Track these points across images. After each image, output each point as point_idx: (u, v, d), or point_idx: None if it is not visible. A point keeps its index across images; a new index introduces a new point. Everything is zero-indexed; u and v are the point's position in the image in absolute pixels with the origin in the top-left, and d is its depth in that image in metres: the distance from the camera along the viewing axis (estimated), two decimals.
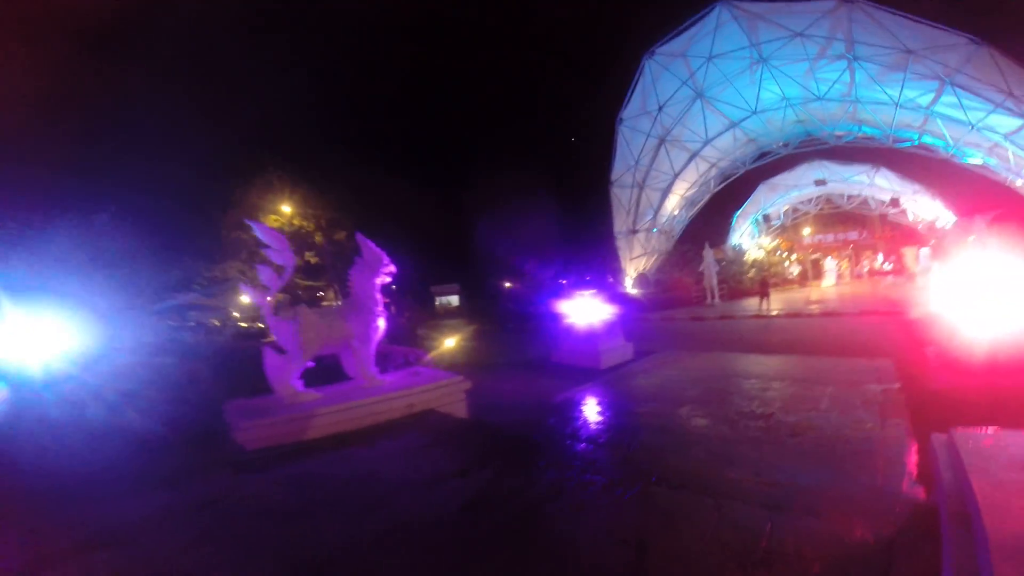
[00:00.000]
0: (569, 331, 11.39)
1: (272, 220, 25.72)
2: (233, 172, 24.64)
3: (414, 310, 36.95)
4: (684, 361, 10.82)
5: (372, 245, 6.84)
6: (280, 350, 6.30)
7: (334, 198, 28.84)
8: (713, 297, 26.32)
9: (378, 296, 6.73)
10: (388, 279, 6.86)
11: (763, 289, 20.96)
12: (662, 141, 25.29)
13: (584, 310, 11.34)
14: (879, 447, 5.10)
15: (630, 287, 28.05)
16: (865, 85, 20.02)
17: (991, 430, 3.16)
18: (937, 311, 17.82)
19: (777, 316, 20.27)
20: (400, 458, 5.35)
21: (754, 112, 23.27)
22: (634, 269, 28.49)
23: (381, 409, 6.32)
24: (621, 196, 26.52)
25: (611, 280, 29.11)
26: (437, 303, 41.86)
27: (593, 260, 31.37)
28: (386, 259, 6.78)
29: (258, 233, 6.30)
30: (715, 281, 26.65)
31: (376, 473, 5.04)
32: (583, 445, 5.84)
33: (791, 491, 3.95)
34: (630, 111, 24.61)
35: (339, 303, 39.48)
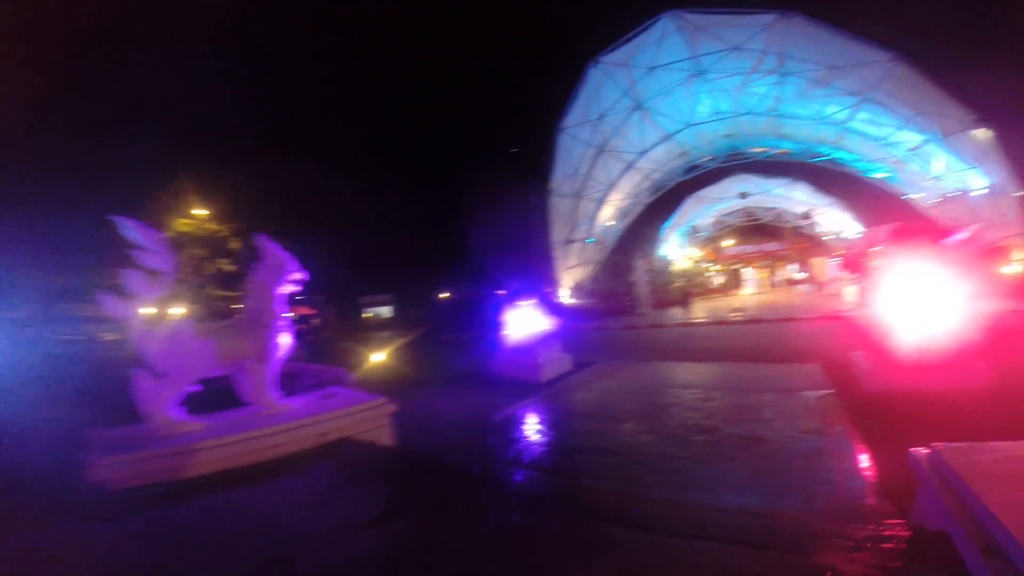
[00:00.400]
0: (508, 343, 10.74)
1: (182, 225, 23.08)
2: (142, 174, 21.94)
3: (340, 322, 34.86)
4: (623, 371, 10.51)
5: (275, 248, 5.79)
6: (154, 371, 5.10)
7: (258, 202, 26.58)
8: (645, 306, 27.01)
9: (278, 307, 5.68)
10: (294, 287, 5.83)
11: (684, 300, 20.61)
12: (600, 151, 25.64)
13: (523, 321, 10.75)
14: (834, 460, 4.84)
15: (566, 297, 28.06)
16: (790, 100, 21.47)
17: (983, 445, 2.83)
18: (851, 315, 19.37)
19: (705, 324, 20.88)
20: (303, 501, 4.36)
21: (689, 125, 24.23)
22: (570, 279, 28.58)
23: (284, 440, 5.26)
24: (560, 205, 26.56)
25: (548, 290, 29.00)
26: (367, 314, 39.79)
27: (531, 270, 31.20)
28: (292, 264, 5.76)
29: (126, 232, 5.08)
30: (647, 291, 27.39)
31: (269, 521, 4.04)
32: (527, 474, 5.16)
33: (763, 521, 3.49)
34: (571, 119, 24.70)
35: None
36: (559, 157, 25.36)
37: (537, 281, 29.44)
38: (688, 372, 10.05)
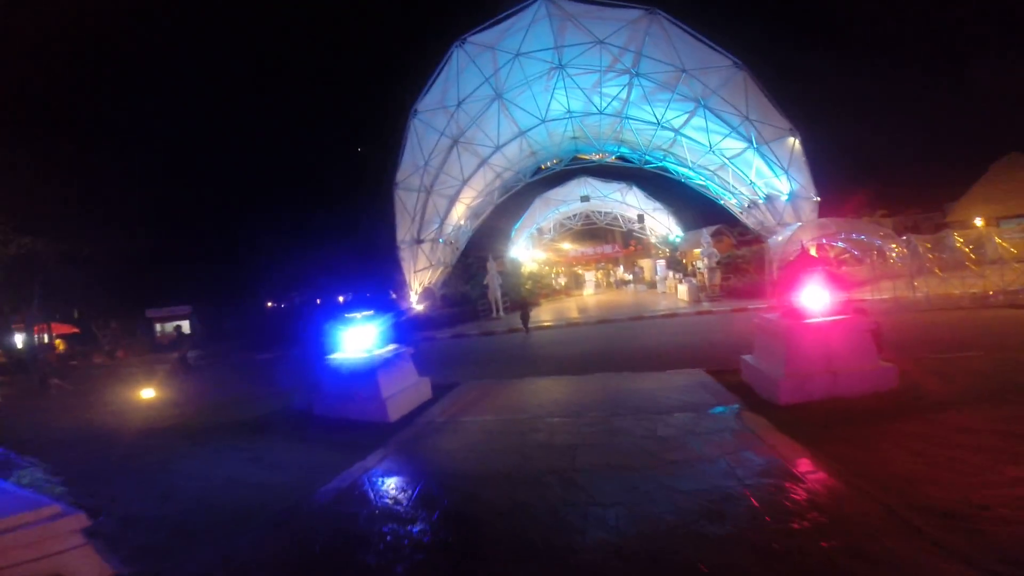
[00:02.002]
0: (340, 370, 7.76)
1: None
2: None
3: (116, 342, 26.67)
4: (494, 396, 8.38)
5: None
6: None
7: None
8: (498, 310, 25.73)
9: None
10: None
11: (523, 308, 19.57)
12: (455, 142, 23.34)
13: (361, 338, 7.88)
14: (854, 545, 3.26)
15: (415, 303, 25.26)
16: (636, 103, 22.01)
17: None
18: (691, 310, 20.77)
19: (565, 326, 20.22)
20: None
21: (543, 121, 23.37)
22: (419, 283, 25.83)
23: None
24: (407, 201, 23.57)
25: (395, 296, 25.82)
26: (159, 331, 31.37)
27: (376, 273, 27.56)
28: None
29: None
30: (499, 294, 26.14)
31: None
32: None
33: None
34: (427, 102, 21.87)
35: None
36: (409, 144, 22.33)
37: (382, 285, 26.07)
38: (571, 391, 8.36)
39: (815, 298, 7.08)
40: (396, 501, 4.60)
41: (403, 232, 24.01)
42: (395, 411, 7.35)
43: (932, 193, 31.94)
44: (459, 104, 21.77)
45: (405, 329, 20.33)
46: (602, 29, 18.73)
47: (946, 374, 7.29)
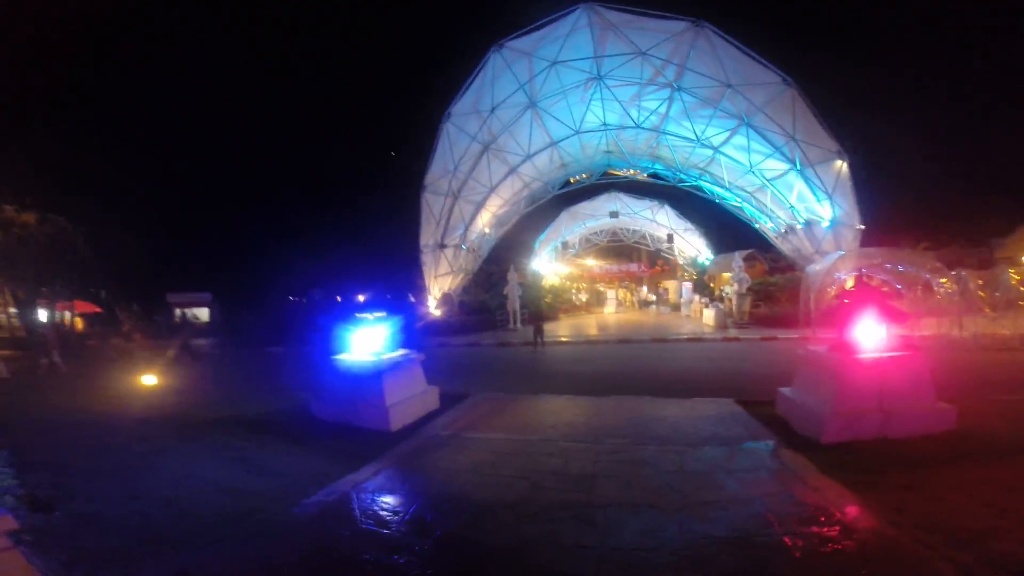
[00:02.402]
0: (344, 372, 7.31)
1: None
2: None
3: (135, 325, 27.01)
4: (507, 413, 7.81)
5: None
6: None
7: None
8: (516, 322, 25.20)
9: None
10: None
11: (537, 322, 18.69)
12: (486, 149, 23.01)
13: (370, 340, 7.44)
14: None
15: (433, 308, 24.90)
16: (676, 118, 21.35)
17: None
18: (717, 336, 19.84)
19: (584, 343, 19.53)
20: None
21: (576, 132, 22.84)
22: (439, 288, 25.50)
23: None
24: (433, 204, 23.33)
25: (413, 299, 25.55)
26: (178, 316, 31.68)
27: (396, 275, 27.40)
28: None
29: None
30: (518, 305, 25.63)
31: None
32: None
33: None
34: (461, 107, 21.54)
35: (12, 310, 26.48)
36: (440, 148, 22.09)
37: (402, 287, 25.87)
38: (587, 414, 7.71)
39: (870, 332, 6.35)
40: (384, 524, 4.07)
41: (427, 236, 23.75)
42: (398, 420, 6.84)
43: (978, 228, 30.20)
44: (492, 110, 21.49)
45: (420, 334, 19.97)
46: (645, 40, 18.23)
47: (1007, 417, 6.50)
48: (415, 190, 22.97)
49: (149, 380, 10.55)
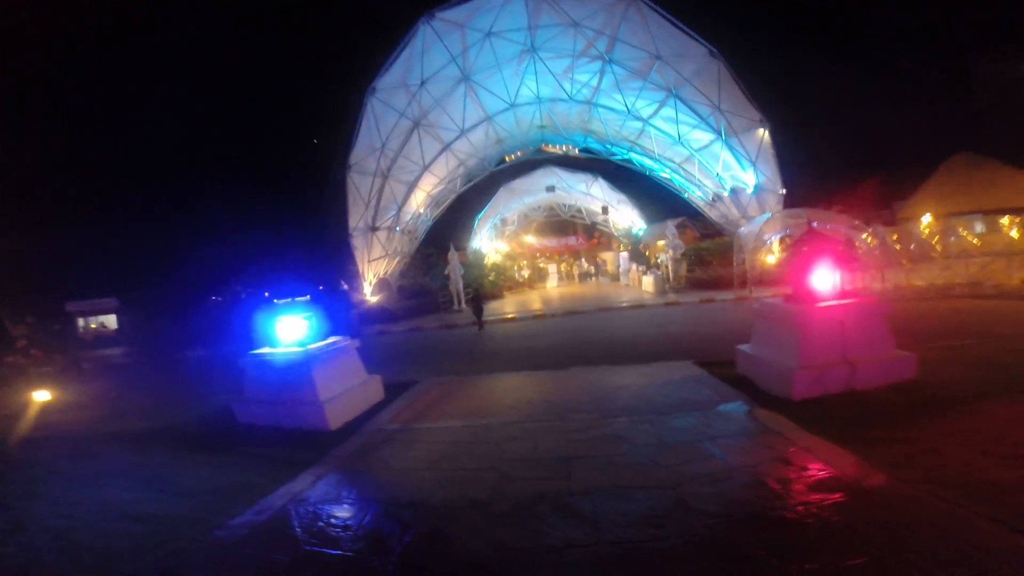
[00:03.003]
0: (268, 367, 6.28)
1: None
2: None
3: (32, 338, 23.43)
4: (459, 396, 7.14)
5: None
6: None
7: None
8: (460, 302, 24.43)
9: None
10: None
11: (475, 303, 17.54)
12: (416, 125, 21.58)
13: (293, 328, 6.43)
14: None
15: (369, 294, 23.49)
16: (607, 91, 21.15)
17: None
18: (658, 302, 20.24)
19: (531, 318, 19.15)
20: None
21: (512, 106, 21.88)
22: (373, 273, 24.06)
23: None
24: (360, 185, 21.67)
25: (346, 287, 23.93)
26: (81, 326, 27.95)
27: (327, 263, 25.48)
28: None
29: None
30: (461, 285, 24.84)
31: None
32: None
33: None
34: (388, 80, 19.91)
35: None
36: (365, 124, 20.42)
37: (333, 275, 24.15)
38: (547, 389, 7.21)
39: (826, 280, 6.28)
40: (332, 542, 3.30)
41: (356, 218, 22.14)
42: (336, 417, 5.97)
43: (880, 192, 32.96)
44: (422, 84, 20.14)
45: (358, 322, 18.68)
46: (578, 11, 17.71)
47: (956, 363, 6.70)
48: (340, 171, 21.18)
49: (42, 396, 8.83)
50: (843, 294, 6.29)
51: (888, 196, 31.63)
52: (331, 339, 6.84)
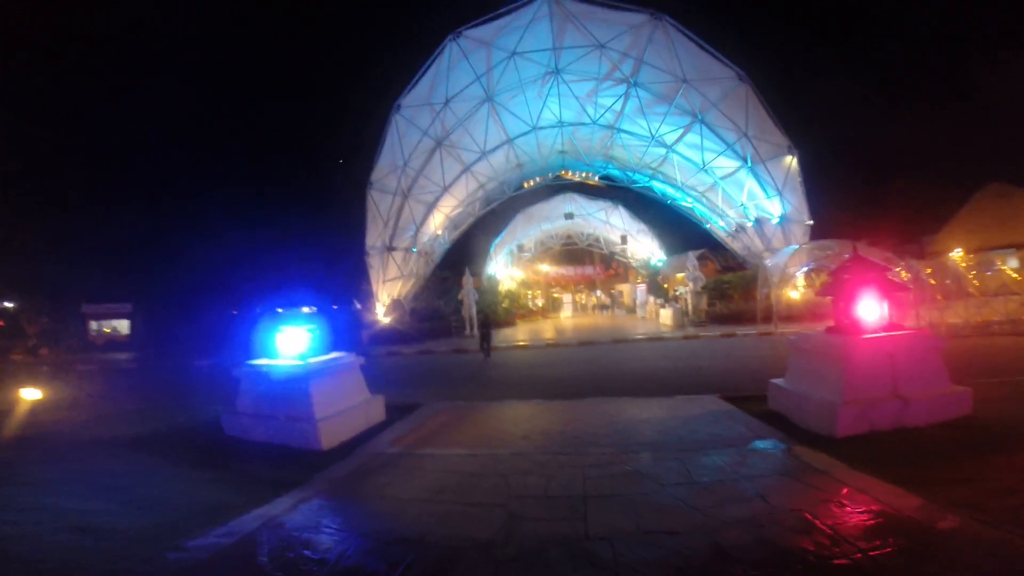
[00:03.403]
0: (264, 379, 5.90)
1: None
2: None
3: (44, 338, 23.73)
4: (468, 423, 6.63)
5: None
6: None
7: None
8: (472, 328, 24.01)
9: None
10: None
11: (483, 328, 16.33)
12: (439, 144, 21.75)
13: (295, 340, 6.06)
14: None
15: (382, 315, 23.24)
16: (631, 116, 21.17)
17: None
18: (677, 335, 19.53)
19: (546, 347, 18.60)
20: None
21: (533, 128, 22.00)
22: (387, 294, 23.88)
23: None
24: (380, 203, 21.72)
25: (359, 306, 23.73)
26: (94, 329, 28.17)
27: (341, 281, 25.45)
28: None
29: None
30: (474, 311, 24.47)
31: None
32: None
33: None
34: (413, 98, 19.96)
35: None
36: (389, 141, 20.70)
37: (347, 294, 24.02)
38: (561, 419, 6.66)
39: (873, 309, 5.72)
40: None
41: (374, 237, 22.11)
42: (331, 437, 5.51)
43: (909, 226, 31.91)
44: (447, 103, 20.31)
45: (368, 341, 18.37)
46: (604, 33, 17.81)
47: (1010, 399, 6.10)
48: (361, 187, 21.27)
49: (32, 395, 8.59)
50: (891, 326, 5.73)
51: (917, 228, 30.59)
52: (334, 354, 6.44)
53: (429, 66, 19.22)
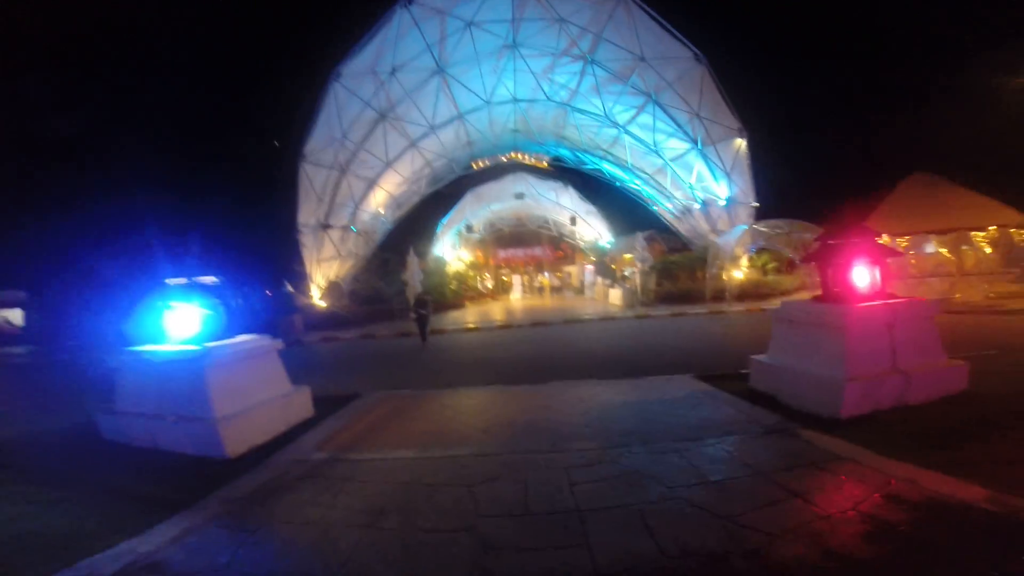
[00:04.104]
0: (150, 369, 4.53)
1: None
2: None
3: None
4: (415, 416, 5.56)
5: None
6: None
7: None
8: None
9: None
10: None
11: (419, 310, 14.09)
12: (382, 117, 19.93)
13: (188, 320, 4.73)
14: None
15: (318, 297, 21.35)
16: (586, 94, 20.45)
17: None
18: (628, 315, 19.28)
19: (492, 328, 17.70)
20: None
21: (487, 103, 20.70)
22: (323, 275, 21.97)
23: None
24: (315, 177, 19.59)
25: (292, 289, 21.66)
26: None
27: (271, 261, 23.13)
28: None
29: None
30: (420, 292, 23.13)
31: None
32: None
33: None
34: (355, 66, 17.92)
35: None
36: (326, 111, 18.64)
37: (275, 273, 21.89)
38: (526, 408, 5.76)
39: (865, 277, 5.22)
40: None
41: (307, 214, 20.08)
42: (238, 440, 4.28)
43: (845, 208, 33.47)
44: (393, 72, 18.53)
45: (303, 326, 16.68)
46: (565, 6, 16.92)
47: (991, 374, 5.83)
48: (292, 159, 19.10)
49: None
50: (883, 293, 5.26)
51: (852, 213, 32.11)
52: (242, 337, 5.14)
53: (376, 32, 17.27)
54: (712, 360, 8.13)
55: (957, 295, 14.23)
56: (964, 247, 16.84)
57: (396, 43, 17.71)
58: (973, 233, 16.58)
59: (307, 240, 20.59)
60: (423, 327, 14.09)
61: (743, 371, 6.57)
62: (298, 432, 4.86)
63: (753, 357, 6.03)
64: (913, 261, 15.39)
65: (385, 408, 5.82)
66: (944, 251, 15.48)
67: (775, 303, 18.38)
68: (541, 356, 10.51)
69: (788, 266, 19.65)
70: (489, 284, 37.65)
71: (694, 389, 6.11)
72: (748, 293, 18.76)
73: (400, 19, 17.08)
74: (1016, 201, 16.11)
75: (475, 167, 26.53)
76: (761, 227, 16.02)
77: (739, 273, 21.01)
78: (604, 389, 6.31)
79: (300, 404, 5.31)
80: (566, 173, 28.04)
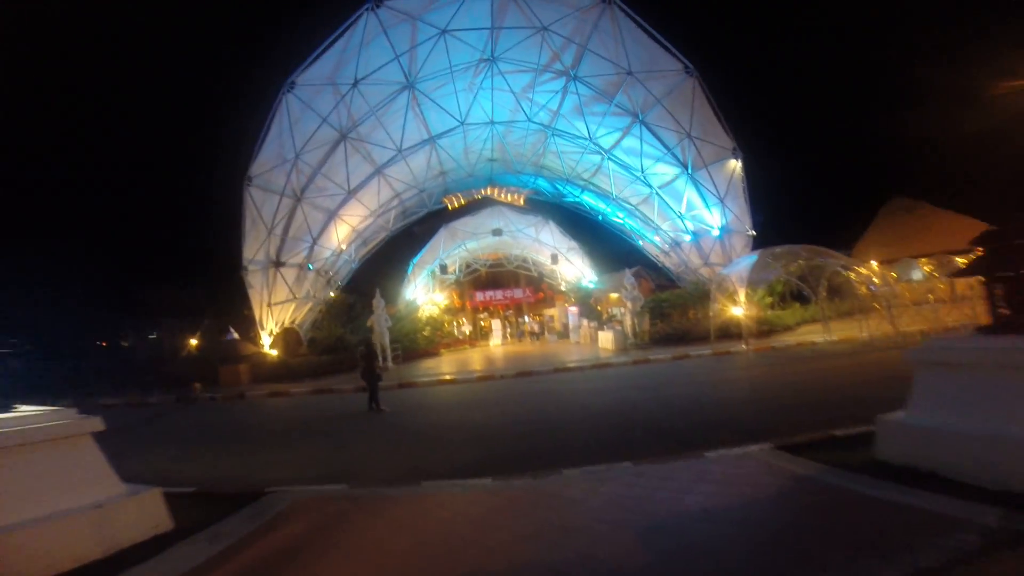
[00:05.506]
0: None
1: None
2: None
3: None
4: (349, 553, 3.14)
5: None
6: None
7: None
8: (385, 360, 20.06)
9: None
10: None
11: (368, 371, 10.31)
12: (343, 137, 17.88)
13: None
14: None
15: (268, 345, 18.52)
16: (568, 116, 19.18)
17: None
18: (624, 360, 17.19)
19: (472, 381, 15.26)
20: None
21: (461, 124, 18.94)
22: (276, 321, 19.25)
23: None
24: (263, 204, 17.10)
25: (236, 335, 18.82)
26: None
27: (219, 303, 20.29)
28: None
29: None
30: (387, 339, 20.58)
31: None
32: None
33: None
34: (312, 75, 15.99)
35: None
36: (276, 128, 16.50)
37: (223, 320, 19.07)
38: (537, 526, 3.45)
39: None
40: None
41: (253, 248, 17.47)
42: None
43: (830, 238, 32.70)
44: (355, 84, 16.49)
45: (248, 378, 13.89)
46: (548, 14, 15.61)
47: None
48: (236, 182, 16.70)
49: None
50: None
51: (840, 239, 31.11)
52: (23, 411, 2.72)
53: (337, 37, 15.35)
54: (758, 417, 6.23)
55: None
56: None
57: (360, 51, 15.86)
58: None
59: (255, 279, 17.94)
60: (372, 386, 10.34)
61: (835, 433, 4.77)
62: (128, 561, 2.39)
63: (883, 417, 3.94)
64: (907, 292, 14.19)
65: (298, 526, 3.37)
66: (936, 277, 14.34)
67: (786, 340, 16.95)
68: (535, 418, 8.15)
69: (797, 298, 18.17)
70: (467, 329, 35.25)
71: (795, 470, 3.92)
72: (751, 331, 17.05)
73: (367, 23, 15.31)
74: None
75: (450, 207, 24.75)
76: (779, 253, 14.30)
77: (738, 310, 19.41)
78: (654, 484, 4.04)
79: (139, 514, 2.88)
80: (546, 207, 26.57)
